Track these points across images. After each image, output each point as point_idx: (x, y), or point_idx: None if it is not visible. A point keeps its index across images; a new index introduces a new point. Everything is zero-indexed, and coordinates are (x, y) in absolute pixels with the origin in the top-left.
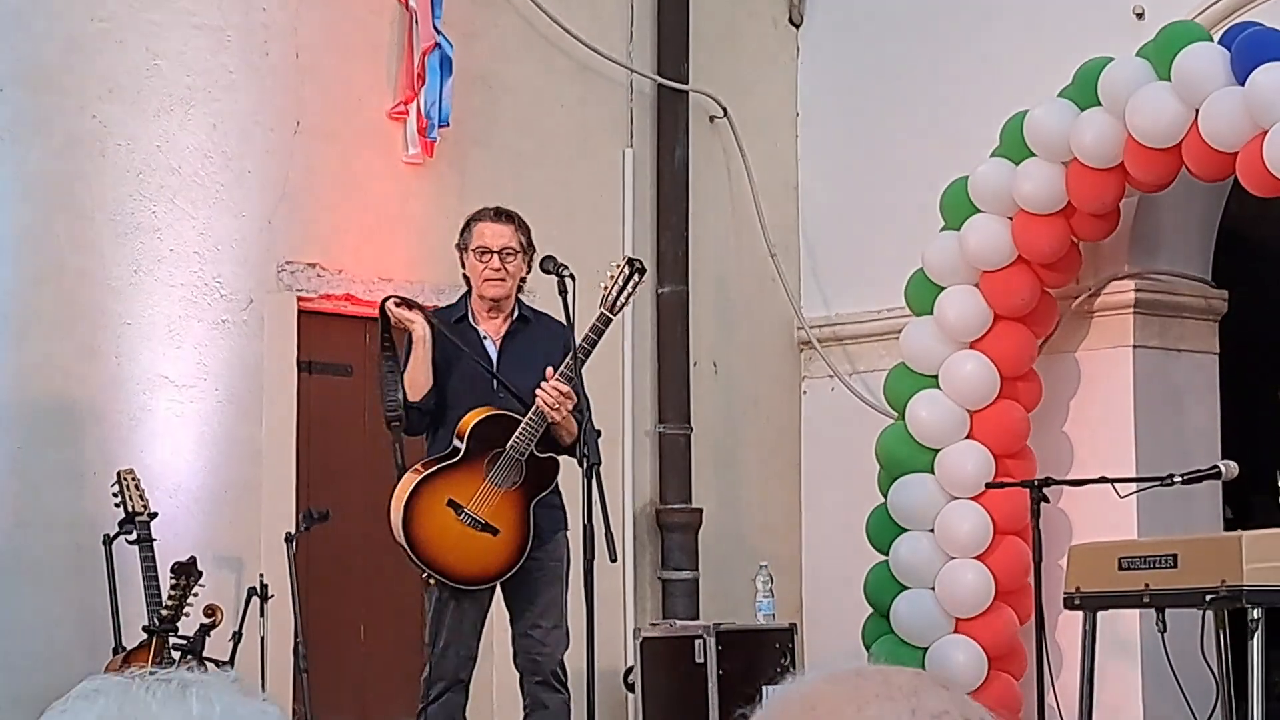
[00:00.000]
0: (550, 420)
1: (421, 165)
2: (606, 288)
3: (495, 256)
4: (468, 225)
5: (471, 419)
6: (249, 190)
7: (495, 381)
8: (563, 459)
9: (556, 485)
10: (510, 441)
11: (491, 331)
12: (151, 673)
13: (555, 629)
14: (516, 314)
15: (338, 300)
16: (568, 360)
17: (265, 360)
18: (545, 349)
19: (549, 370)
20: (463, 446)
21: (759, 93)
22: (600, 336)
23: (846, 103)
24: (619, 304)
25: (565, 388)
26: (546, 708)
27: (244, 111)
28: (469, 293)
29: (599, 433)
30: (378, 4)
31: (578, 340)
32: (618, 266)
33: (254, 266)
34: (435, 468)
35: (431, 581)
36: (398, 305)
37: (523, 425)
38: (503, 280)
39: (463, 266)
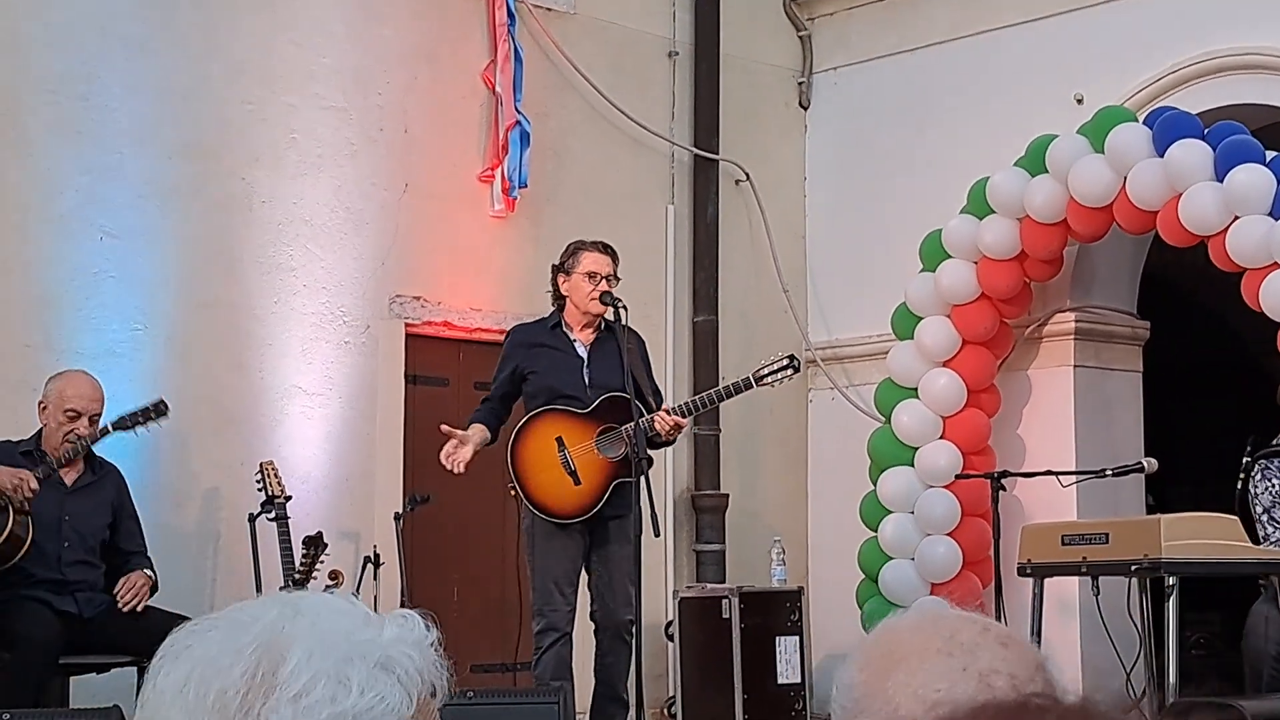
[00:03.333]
0: (663, 436)
1: (505, 219)
2: (764, 363)
3: (603, 280)
4: (573, 252)
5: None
6: (366, 238)
7: (587, 375)
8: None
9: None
10: (625, 426)
11: (582, 338)
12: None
13: (624, 592)
14: (602, 325)
15: (437, 326)
16: (692, 400)
17: (379, 374)
18: (626, 352)
19: (666, 406)
20: (594, 404)
21: (775, 161)
22: (735, 393)
23: (844, 170)
24: (764, 380)
25: (682, 420)
26: (615, 654)
27: (363, 175)
28: (562, 306)
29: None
30: (470, 90)
31: (711, 390)
32: (782, 355)
33: (370, 299)
34: (565, 409)
35: (513, 491)
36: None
37: (639, 421)
38: None
39: (556, 285)
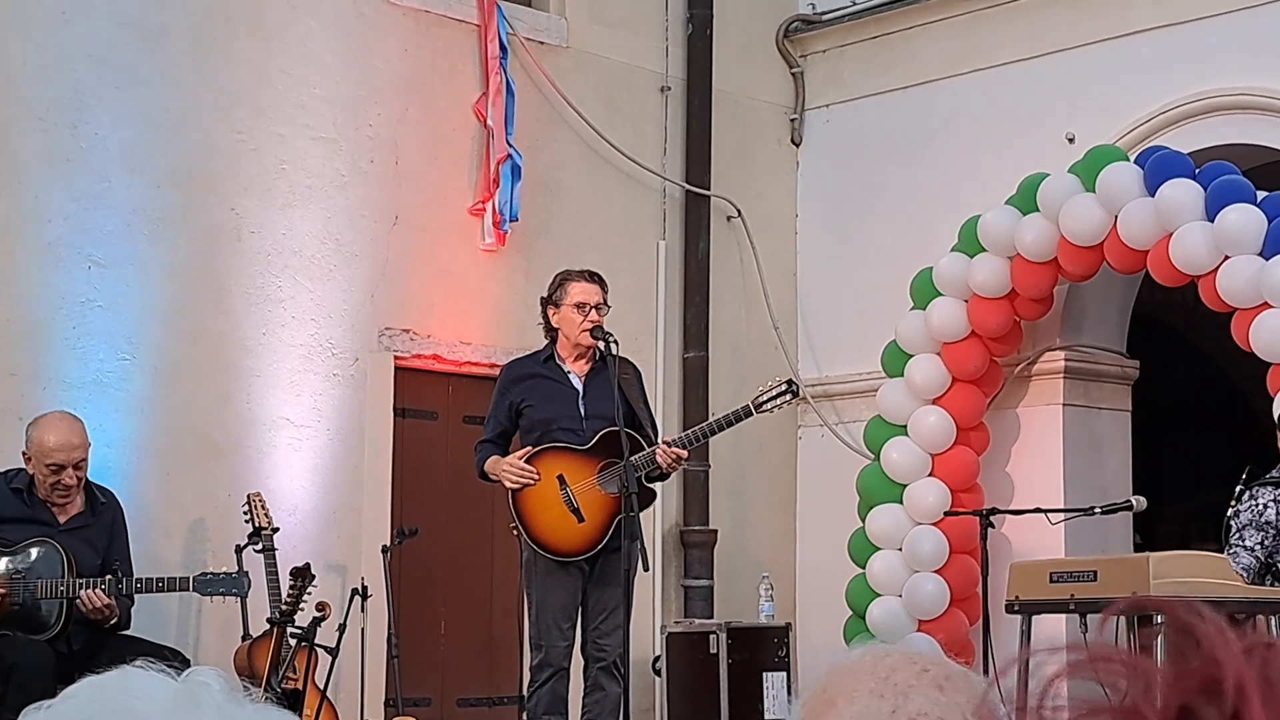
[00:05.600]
0: (664, 469)
1: (495, 252)
2: (762, 390)
3: (593, 310)
4: (561, 283)
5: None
6: (356, 270)
7: (583, 407)
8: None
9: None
10: (626, 459)
11: (577, 370)
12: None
13: (617, 629)
14: (596, 355)
15: (427, 359)
16: (692, 431)
17: (367, 407)
18: (621, 382)
19: (666, 439)
20: (594, 440)
21: (766, 198)
22: (736, 422)
23: (835, 207)
24: (764, 407)
25: (683, 452)
26: (603, 690)
27: (353, 207)
28: (554, 339)
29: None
30: (462, 122)
31: (711, 420)
32: (779, 380)
33: (359, 331)
34: (565, 445)
35: (515, 531)
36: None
37: (641, 454)
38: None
39: (547, 318)
